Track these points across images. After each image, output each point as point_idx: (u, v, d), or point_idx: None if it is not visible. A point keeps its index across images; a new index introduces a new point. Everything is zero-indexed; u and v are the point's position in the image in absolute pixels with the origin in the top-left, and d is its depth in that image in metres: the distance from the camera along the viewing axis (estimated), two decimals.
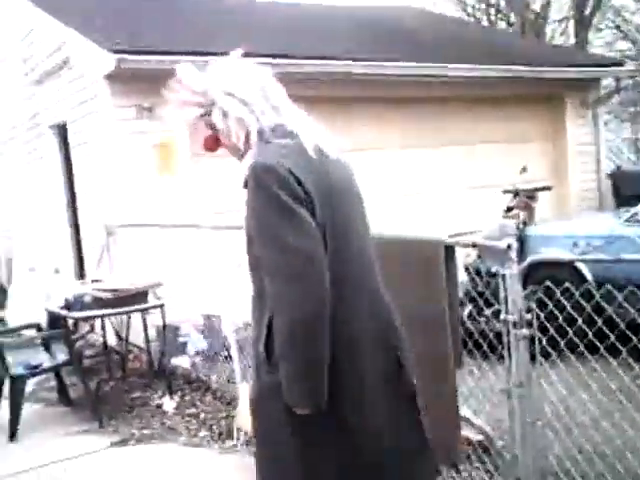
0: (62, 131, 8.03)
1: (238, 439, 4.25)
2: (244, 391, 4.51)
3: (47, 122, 8.32)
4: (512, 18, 17.78)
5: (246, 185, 1.87)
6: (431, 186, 8.56)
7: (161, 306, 5.14)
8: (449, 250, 2.82)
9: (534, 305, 2.73)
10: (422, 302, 2.83)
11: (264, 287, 1.84)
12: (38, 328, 5.75)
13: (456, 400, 2.81)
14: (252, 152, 1.94)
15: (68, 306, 4.99)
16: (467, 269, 5.03)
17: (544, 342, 2.75)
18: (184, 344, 5.84)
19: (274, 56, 7.05)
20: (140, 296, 4.98)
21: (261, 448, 2.01)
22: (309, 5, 11.85)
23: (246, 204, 1.87)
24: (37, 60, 8.23)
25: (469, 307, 3.80)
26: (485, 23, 18.84)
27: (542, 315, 2.80)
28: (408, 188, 8.35)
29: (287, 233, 1.76)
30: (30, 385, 5.34)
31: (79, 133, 7.41)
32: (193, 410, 4.95)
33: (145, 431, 4.64)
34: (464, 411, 3.27)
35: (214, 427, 4.57)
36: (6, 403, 4.91)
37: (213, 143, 2.09)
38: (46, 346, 5.44)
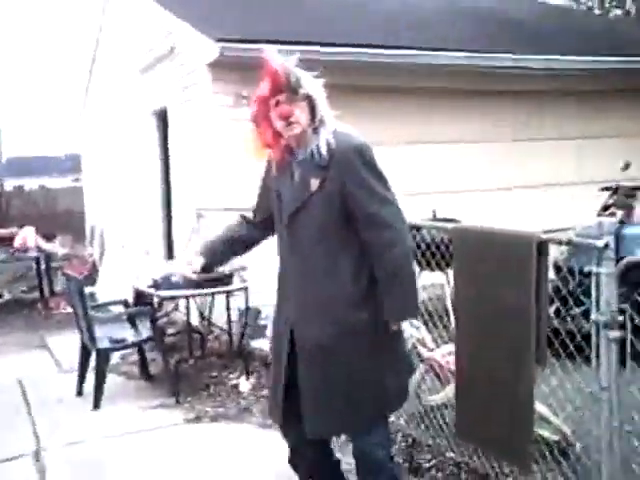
0: (162, 116, 8.24)
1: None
2: None
3: (149, 108, 8.56)
4: (628, 5, 16.98)
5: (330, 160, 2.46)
6: (529, 181, 8.27)
7: (245, 289, 5.16)
8: (542, 246, 2.70)
9: (628, 306, 2.57)
10: (509, 295, 2.73)
11: (339, 248, 2.49)
12: (125, 304, 5.90)
13: (532, 397, 2.68)
14: (331, 135, 2.49)
15: (155, 285, 5.08)
16: (558, 266, 4.81)
17: (637, 346, 2.58)
18: (264, 327, 5.86)
19: (381, 47, 7.03)
20: (225, 278, 5.02)
21: (346, 374, 2.50)
22: None
23: (349, 174, 2.46)
24: (144, 49, 8.47)
25: (557, 305, 3.62)
26: (597, 11, 18.11)
27: (637, 318, 2.63)
28: (507, 182, 8.12)
29: (393, 195, 2.52)
30: (114, 358, 5.49)
31: (178, 119, 7.57)
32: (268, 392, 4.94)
33: (220, 410, 4.67)
34: (541, 408, 3.12)
35: None
36: (92, 374, 5.07)
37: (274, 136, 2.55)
38: (131, 322, 5.58)
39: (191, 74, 7.10)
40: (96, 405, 4.87)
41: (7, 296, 10.15)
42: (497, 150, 8.14)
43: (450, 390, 3.68)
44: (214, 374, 5.34)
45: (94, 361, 5.08)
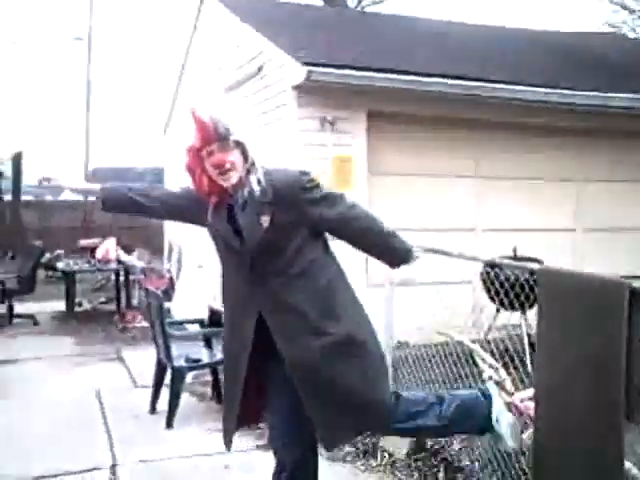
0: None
1: (382, 459, 4.17)
2: None
3: None
4: None
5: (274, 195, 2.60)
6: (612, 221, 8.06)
7: None
8: (634, 294, 2.58)
9: None
10: (597, 343, 2.63)
11: (309, 264, 2.63)
12: (201, 324, 5.98)
13: (621, 456, 2.56)
14: (262, 174, 2.62)
15: None
16: None
17: None
18: None
19: (465, 78, 6.97)
20: None
21: (340, 387, 2.62)
22: (502, 28, 11.63)
23: (298, 201, 2.61)
24: (231, 69, 8.63)
25: None
26: None
27: None
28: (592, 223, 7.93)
29: (340, 194, 2.77)
30: (188, 377, 5.55)
31: (261, 140, 7.66)
32: None
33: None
34: (634, 471, 2.97)
35: (359, 444, 4.49)
36: (166, 391, 5.14)
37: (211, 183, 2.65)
38: (207, 342, 5.65)
39: (276, 96, 7.19)
40: (169, 424, 4.93)
41: (86, 305, 10.45)
42: (585, 189, 7.97)
43: (528, 437, 3.58)
44: None
45: (168, 378, 5.16)
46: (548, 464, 2.87)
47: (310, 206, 2.63)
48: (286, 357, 2.62)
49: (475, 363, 4.07)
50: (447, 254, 3.90)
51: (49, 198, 26.69)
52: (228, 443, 2.83)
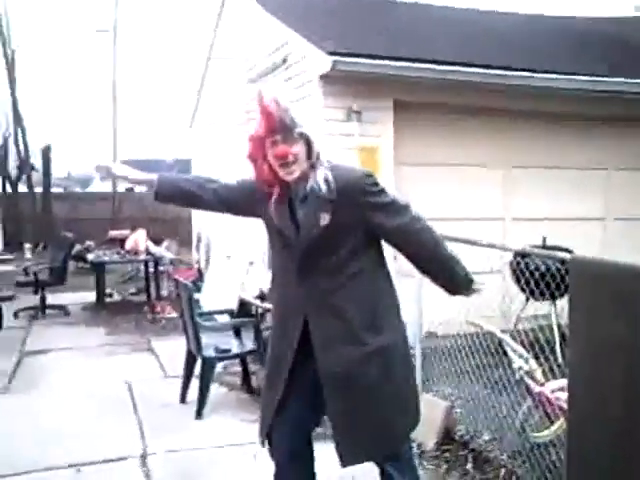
0: None
1: (411, 449, 4.15)
2: (423, 403, 4.43)
3: None
4: None
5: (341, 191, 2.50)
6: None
7: None
8: None
9: None
10: (629, 332, 2.61)
11: (361, 269, 2.55)
12: (231, 314, 6.01)
13: None
14: (329, 170, 2.52)
15: (262, 296, 5.14)
16: None
17: None
18: None
19: (492, 67, 6.91)
20: None
21: (370, 399, 2.55)
22: (529, 15, 11.49)
23: (360, 202, 2.51)
24: (257, 59, 8.64)
25: None
26: None
27: None
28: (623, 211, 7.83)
29: (404, 201, 2.62)
30: (218, 368, 5.59)
31: None
32: None
33: (319, 429, 4.65)
34: None
35: None
36: (196, 381, 5.18)
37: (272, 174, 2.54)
38: (236, 332, 5.68)
39: (302, 87, 7.17)
40: (199, 414, 4.97)
41: (116, 296, 10.57)
42: (615, 178, 7.88)
43: (559, 428, 3.56)
44: None
45: (198, 368, 5.21)
46: (582, 454, 2.84)
47: (371, 210, 2.53)
48: (320, 365, 2.56)
49: (505, 353, 4.06)
50: (477, 244, 3.87)
51: (78, 190, 26.98)
52: (264, 437, 2.79)
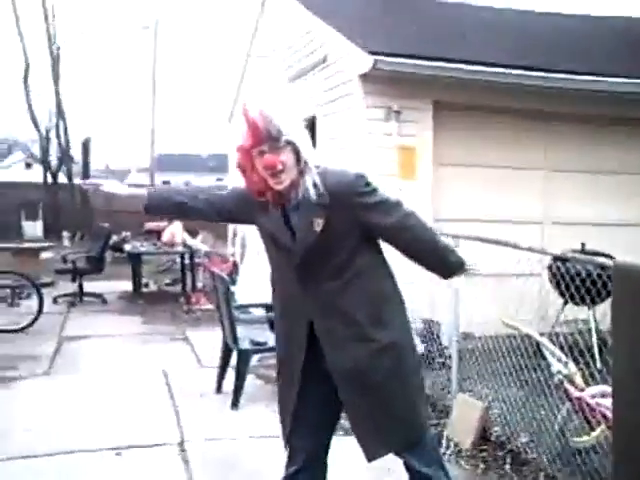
0: (310, 126, 8.41)
1: (447, 448, 4.18)
2: (459, 403, 4.46)
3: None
4: None
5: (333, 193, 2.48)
6: None
7: None
8: None
9: None
10: None
11: (362, 269, 2.55)
12: (267, 308, 6.06)
13: None
14: (317, 175, 2.49)
15: None
16: None
17: None
18: None
19: (534, 69, 6.88)
20: None
21: (384, 393, 2.55)
22: (572, 16, 11.36)
23: (354, 205, 2.50)
24: (296, 58, 8.69)
25: None
26: None
27: None
28: None
29: (396, 198, 2.65)
30: (253, 360, 5.65)
31: (326, 129, 7.71)
32: None
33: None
34: None
35: None
36: (231, 372, 5.25)
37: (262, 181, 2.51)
38: (272, 326, 5.72)
39: (342, 85, 7.21)
40: (234, 404, 5.04)
41: (152, 287, 10.71)
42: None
43: (600, 434, 3.55)
44: None
45: (234, 360, 5.27)
46: (630, 461, 2.83)
47: (364, 211, 2.53)
48: (332, 365, 2.57)
49: (543, 356, 4.05)
50: (517, 247, 3.87)
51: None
52: (287, 444, 2.78)
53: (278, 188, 2.49)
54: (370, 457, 2.61)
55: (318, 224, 2.49)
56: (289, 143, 2.46)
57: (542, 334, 4.36)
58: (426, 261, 2.72)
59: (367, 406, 2.58)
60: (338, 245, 2.53)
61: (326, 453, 2.84)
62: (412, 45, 7.20)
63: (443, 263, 2.72)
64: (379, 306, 2.59)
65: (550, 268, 5.97)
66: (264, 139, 2.44)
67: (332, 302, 2.55)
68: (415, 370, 2.70)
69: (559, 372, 3.74)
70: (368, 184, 2.56)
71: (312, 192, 2.47)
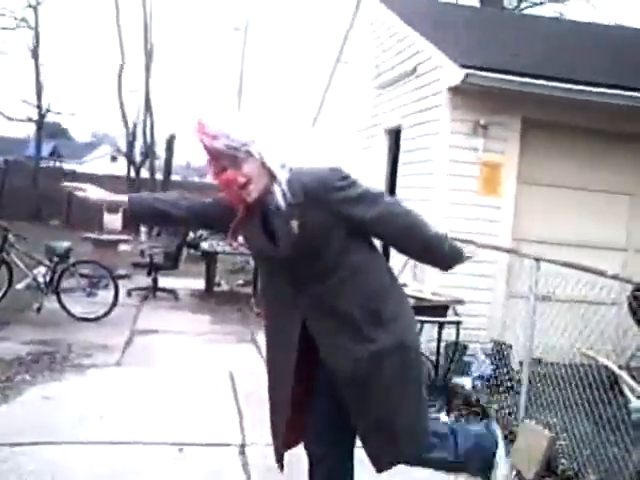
0: (395, 135, 8.38)
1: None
2: (525, 430, 4.32)
3: (383, 125, 8.74)
4: None
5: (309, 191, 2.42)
6: None
7: (458, 323, 5.10)
8: None
9: None
10: None
11: (357, 267, 2.48)
12: None
13: None
14: (286, 179, 2.41)
15: None
16: None
17: None
18: (469, 364, 5.76)
19: (629, 89, 6.63)
20: (440, 309, 4.99)
21: (391, 400, 2.48)
22: None
23: (339, 195, 2.43)
24: (387, 67, 8.65)
25: None
26: None
27: None
28: None
29: (377, 190, 2.63)
30: None
31: (411, 140, 7.65)
32: None
33: None
34: None
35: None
36: None
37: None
38: None
39: (430, 97, 7.14)
40: None
41: (224, 286, 10.84)
42: None
43: None
44: None
45: None
46: None
47: (345, 205, 2.44)
48: (331, 367, 2.50)
49: (621, 391, 3.89)
50: (602, 275, 3.73)
51: (196, 179, 27.87)
52: (279, 462, 2.74)
53: (248, 200, 2.43)
54: (379, 469, 2.55)
55: (294, 225, 2.40)
56: (249, 153, 2.38)
57: (620, 367, 4.20)
58: (420, 253, 2.69)
59: (373, 414, 2.49)
60: (321, 244, 2.44)
61: (348, 457, 2.74)
62: (503, 59, 7.06)
63: (438, 253, 2.63)
64: (378, 303, 2.50)
65: (629, 297, 5.72)
66: (220, 157, 2.38)
67: (326, 302, 2.47)
68: (420, 373, 2.62)
69: (638, 410, 3.58)
70: (345, 177, 2.47)
71: (282, 194, 2.40)
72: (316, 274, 2.46)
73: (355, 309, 2.45)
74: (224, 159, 2.38)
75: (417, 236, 2.58)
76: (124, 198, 2.74)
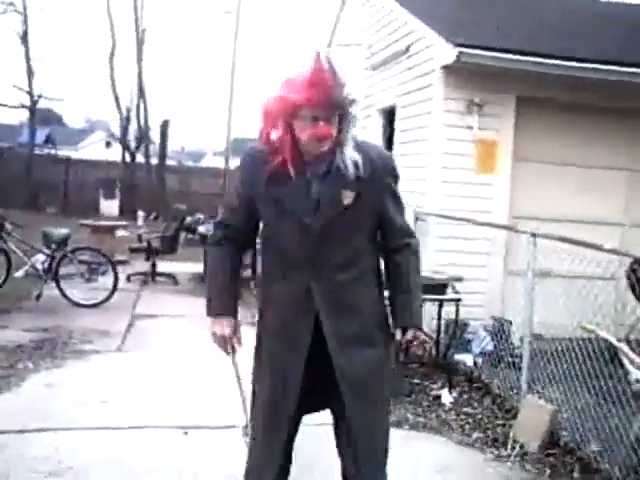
0: (388, 115, 8.36)
1: (513, 449, 4.10)
2: (528, 404, 4.36)
3: (377, 105, 8.72)
4: None
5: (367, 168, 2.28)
6: None
7: (457, 300, 5.12)
8: None
9: None
10: None
11: (376, 263, 2.42)
12: None
13: None
14: (353, 148, 2.25)
15: None
16: None
17: None
18: (469, 341, 5.81)
19: (624, 64, 6.62)
20: (439, 287, 5.01)
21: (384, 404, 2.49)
22: None
23: (385, 186, 2.36)
24: (379, 47, 8.62)
25: None
26: None
27: None
28: None
29: None
30: None
31: (405, 119, 7.64)
32: (469, 409, 4.90)
33: (419, 419, 4.67)
34: None
35: (489, 431, 4.47)
36: None
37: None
38: None
39: (423, 76, 7.12)
40: None
41: None
42: None
43: None
44: (416, 381, 5.35)
45: None
46: None
47: (389, 196, 2.36)
48: (339, 368, 2.33)
49: (621, 364, 3.93)
50: (599, 249, 3.75)
51: (190, 164, 27.81)
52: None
53: (319, 150, 2.21)
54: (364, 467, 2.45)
55: (348, 196, 2.24)
56: (345, 116, 2.20)
57: (619, 340, 4.23)
58: (407, 285, 2.43)
59: (369, 414, 2.41)
60: (360, 227, 2.31)
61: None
62: (497, 37, 7.03)
63: (418, 301, 2.47)
64: (383, 308, 2.44)
65: (627, 272, 5.75)
66: (327, 105, 2.14)
67: (343, 296, 2.31)
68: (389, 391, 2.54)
69: (638, 381, 3.61)
70: (396, 167, 2.43)
71: (350, 163, 2.23)
72: (339, 261, 2.30)
73: (366, 307, 2.35)
74: (326, 110, 2.14)
75: (409, 274, 2.44)
76: (229, 319, 2.58)
